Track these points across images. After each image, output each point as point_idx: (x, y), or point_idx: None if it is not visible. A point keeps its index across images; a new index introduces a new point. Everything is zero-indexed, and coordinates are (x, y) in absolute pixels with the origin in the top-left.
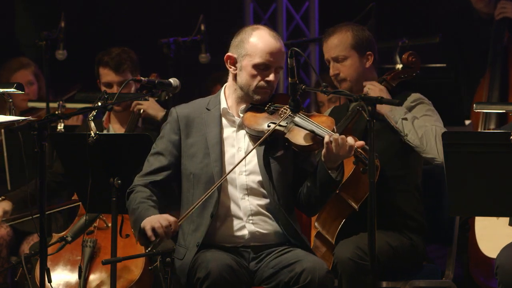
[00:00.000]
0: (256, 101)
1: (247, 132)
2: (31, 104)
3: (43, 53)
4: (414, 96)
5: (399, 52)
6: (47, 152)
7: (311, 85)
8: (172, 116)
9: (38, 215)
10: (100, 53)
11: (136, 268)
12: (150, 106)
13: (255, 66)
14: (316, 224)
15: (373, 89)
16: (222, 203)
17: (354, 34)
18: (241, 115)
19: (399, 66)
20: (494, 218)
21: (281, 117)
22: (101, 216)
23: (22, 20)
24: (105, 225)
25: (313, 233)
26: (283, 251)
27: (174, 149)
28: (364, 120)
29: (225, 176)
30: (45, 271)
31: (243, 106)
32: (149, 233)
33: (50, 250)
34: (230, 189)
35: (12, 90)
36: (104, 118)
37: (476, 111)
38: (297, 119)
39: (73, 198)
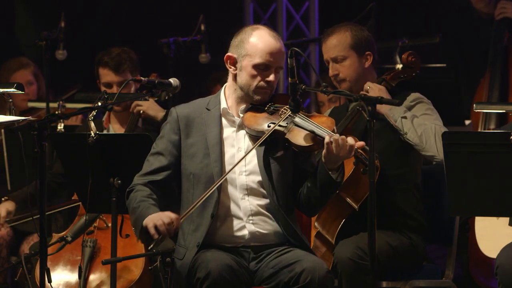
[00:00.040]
0: (256, 101)
1: (247, 132)
2: (31, 104)
3: (43, 53)
4: (414, 95)
5: (399, 52)
6: (47, 152)
7: (311, 85)
8: (172, 116)
9: (38, 216)
10: (100, 53)
11: (136, 268)
12: (150, 107)
13: (255, 66)
14: (316, 224)
15: (373, 88)
16: (222, 203)
17: (353, 34)
18: (241, 115)
19: (399, 66)
20: (494, 218)
21: (281, 117)
22: (101, 216)
23: (22, 20)
24: (105, 225)
25: (313, 233)
26: (283, 251)
27: (174, 149)
28: (364, 120)
29: (225, 175)
30: (45, 271)
31: (243, 106)
32: (152, 231)
33: (50, 250)
34: (230, 189)
35: (12, 90)
36: (104, 118)
37: (476, 111)
38: (297, 119)
39: (73, 198)
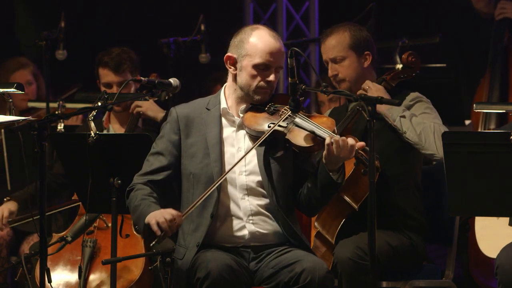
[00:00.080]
0: (256, 101)
1: (247, 132)
2: (31, 104)
3: (43, 53)
4: (413, 95)
5: (399, 52)
6: (47, 152)
7: (311, 85)
8: (172, 116)
9: (38, 216)
10: (100, 53)
11: (136, 268)
12: (149, 108)
13: (255, 66)
14: (316, 224)
15: (371, 88)
16: (222, 203)
17: (351, 34)
18: (241, 115)
19: (399, 66)
20: (494, 218)
21: (281, 117)
22: (101, 216)
23: (22, 20)
24: (105, 225)
25: (313, 233)
26: (283, 251)
27: (174, 149)
28: (363, 120)
29: (226, 174)
30: (45, 271)
31: (243, 106)
32: (155, 228)
33: (50, 250)
34: (230, 189)
35: (12, 90)
36: (104, 118)
37: (476, 111)
38: (297, 119)
39: (73, 198)
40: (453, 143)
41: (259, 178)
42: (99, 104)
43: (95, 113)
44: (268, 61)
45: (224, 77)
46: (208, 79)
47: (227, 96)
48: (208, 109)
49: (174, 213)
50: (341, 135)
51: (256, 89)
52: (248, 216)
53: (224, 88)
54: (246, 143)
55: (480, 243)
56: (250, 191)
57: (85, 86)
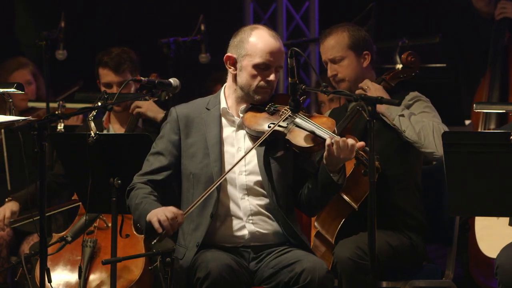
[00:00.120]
0: (256, 101)
1: (247, 132)
2: (31, 104)
3: (43, 53)
4: (412, 94)
5: (399, 52)
6: (47, 152)
7: (311, 85)
8: (172, 116)
9: (38, 217)
10: (100, 53)
11: (136, 268)
12: (149, 109)
13: (256, 66)
14: (315, 223)
15: (369, 88)
16: (221, 203)
17: (350, 34)
18: (241, 115)
19: (399, 66)
20: (494, 218)
21: (281, 117)
22: (101, 216)
23: (22, 20)
24: (105, 225)
25: (313, 232)
26: (283, 251)
27: (174, 149)
28: (363, 120)
29: (226, 174)
30: (45, 271)
31: (243, 106)
32: (156, 225)
33: (50, 250)
34: (230, 189)
35: (12, 90)
36: (104, 118)
37: (476, 111)
38: (297, 120)
39: (73, 198)
40: (453, 143)
41: (259, 178)
42: (99, 104)
43: (95, 113)
44: (268, 61)
45: (224, 77)
46: (208, 79)
47: (227, 96)
48: (208, 109)
49: (175, 211)
50: (340, 135)
51: (257, 89)
52: (248, 216)
53: (224, 88)
54: (246, 143)
55: (480, 243)
56: (250, 191)
57: (85, 86)
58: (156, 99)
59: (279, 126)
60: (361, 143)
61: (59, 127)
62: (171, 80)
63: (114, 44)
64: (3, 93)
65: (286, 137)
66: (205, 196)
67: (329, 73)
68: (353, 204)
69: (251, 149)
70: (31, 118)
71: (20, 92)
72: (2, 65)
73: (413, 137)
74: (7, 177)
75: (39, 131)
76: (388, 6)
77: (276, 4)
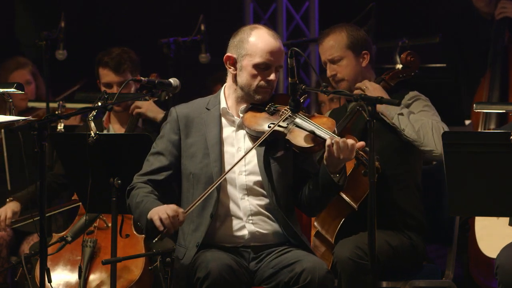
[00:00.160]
0: (257, 101)
1: (247, 133)
2: (31, 104)
3: (43, 53)
4: (411, 94)
5: (399, 52)
6: (47, 152)
7: (311, 85)
8: (172, 116)
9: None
10: (100, 53)
11: (136, 268)
12: (149, 109)
13: (256, 66)
14: (315, 223)
15: (368, 87)
16: (221, 203)
17: (348, 34)
18: (241, 115)
19: (399, 66)
20: (494, 218)
21: (282, 117)
22: (101, 216)
23: (22, 20)
24: (105, 225)
25: (313, 232)
26: (283, 251)
27: (174, 149)
28: (363, 119)
29: (226, 173)
30: (45, 271)
31: (243, 106)
32: (158, 223)
33: (50, 250)
34: (230, 189)
35: (12, 90)
36: (104, 118)
37: (476, 111)
38: (297, 120)
39: (73, 198)
40: (453, 143)
41: (259, 178)
42: (99, 104)
43: (95, 113)
44: (268, 60)
45: (224, 77)
46: (208, 79)
47: (227, 96)
48: (208, 109)
49: (176, 209)
50: (339, 135)
51: (257, 89)
52: (248, 216)
53: (224, 88)
54: (246, 143)
55: (480, 243)
56: (249, 191)
57: (85, 86)
58: (156, 99)
59: (279, 126)
60: (361, 143)
61: (59, 127)
62: (171, 80)
63: (114, 44)
64: (3, 93)
65: (286, 137)
66: (206, 195)
67: (329, 73)
68: (352, 203)
69: (251, 149)
70: (31, 118)
71: (20, 92)
72: (1, 65)
73: (412, 136)
74: (7, 177)
75: (39, 131)
76: (388, 6)
77: (276, 4)
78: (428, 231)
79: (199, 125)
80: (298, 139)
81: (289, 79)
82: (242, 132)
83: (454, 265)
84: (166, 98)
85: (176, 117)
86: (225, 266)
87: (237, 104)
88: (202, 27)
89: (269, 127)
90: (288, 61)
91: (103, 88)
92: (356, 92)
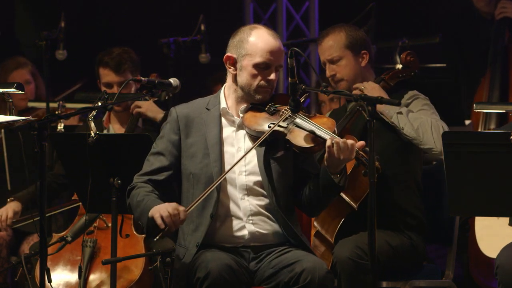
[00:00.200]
0: (257, 101)
1: (247, 133)
2: (31, 104)
3: (43, 53)
4: (410, 93)
5: (399, 52)
6: (47, 152)
7: (311, 85)
8: (172, 116)
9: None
10: (100, 53)
11: (136, 268)
12: (149, 109)
13: (256, 66)
14: (315, 223)
15: (366, 87)
16: (221, 203)
17: (347, 34)
18: (241, 115)
19: (399, 66)
20: (494, 218)
21: (282, 117)
22: (101, 216)
23: (22, 20)
24: (105, 225)
25: (313, 232)
26: (283, 251)
27: (174, 149)
28: (362, 120)
29: (226, 172)
30: (45, 271)
31: (243, 106)
32: (159, 221)
33: (50, 250)
34: (230, 189)
35: (12, 90)
36: (104, 118)
37: (476, 111)
38: (297, 120)
39: (73, 198)
40: (453, 143)
41: (259, 178)
42: (99, 104)
43: (95, 113)
44: (268, 60)
45: (224, 77)
46: (208, 79)
47: (226, 96)
48: (208, 109)
49: (178, 207)
50: (339, 135)
51: (257, 89)
52: (248, 216)
53: (224, 88)
54: (246, 143)
55: (480, 243)
56: (249, 191)
57: (85, 86)
58: (156, 99)
59: (279, 126)
60: (361, 143)
61: (59, 127)
62: (171, 80)
63: (114, 44)
64: (3, 93)
65: (286, 137)
66: (207, 193)
67: (328, 73)
68: (352, 203)
69: (251, 149)
70: (31, 118)
71: (20, 92)
72: (1, 65)
73: (412, 134)
74: (7, 177)
75: (39, 131)
76: (388, 6)
77: (276, 4)
78: (428, 231)
79: (199, 125)
80: (298, 139)
81: (289, 79)
82: (242, 132)
83: (454, 265)
84: (166, 98)
85: (176, 117)
86: (225, 266)
87: (237, 104)
88: (202, 27)
89: (269, 127)
90: (288, 61)
91: (103, 88)
92: (355, 92)
